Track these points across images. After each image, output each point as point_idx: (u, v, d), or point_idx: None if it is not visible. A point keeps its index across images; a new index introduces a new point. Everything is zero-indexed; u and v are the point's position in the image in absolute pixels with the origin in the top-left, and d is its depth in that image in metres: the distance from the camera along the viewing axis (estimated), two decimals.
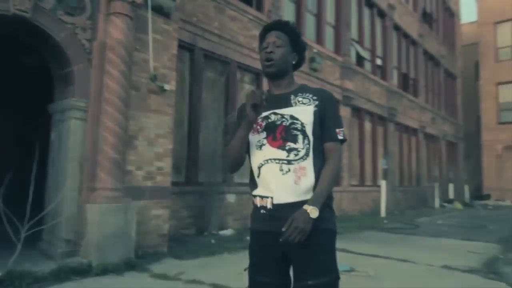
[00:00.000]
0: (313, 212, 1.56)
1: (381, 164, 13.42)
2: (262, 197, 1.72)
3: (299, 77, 10.70)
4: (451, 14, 23.18)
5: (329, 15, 12.44)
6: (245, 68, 9.06)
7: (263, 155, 1.71)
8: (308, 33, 11.35)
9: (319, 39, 11.74)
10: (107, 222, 4.46)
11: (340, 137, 1.73)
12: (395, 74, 16.16)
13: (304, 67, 10.95)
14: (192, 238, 6.78)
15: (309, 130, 1.70)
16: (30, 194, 4.48)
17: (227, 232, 7.45)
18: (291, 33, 1.82)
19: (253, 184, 1.80)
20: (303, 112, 1.72)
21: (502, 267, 5.29)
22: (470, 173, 21.31)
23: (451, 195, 18.35)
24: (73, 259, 4.42)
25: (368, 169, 13.79)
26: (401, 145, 16.30)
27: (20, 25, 4.42)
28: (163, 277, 4.26)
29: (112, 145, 4.67)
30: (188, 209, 7.34)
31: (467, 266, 5.24)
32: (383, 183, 12.27)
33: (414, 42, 17.90)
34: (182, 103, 7.50)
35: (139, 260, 4.75)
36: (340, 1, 12.68)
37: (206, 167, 7.76)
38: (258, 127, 1.76)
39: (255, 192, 1.77)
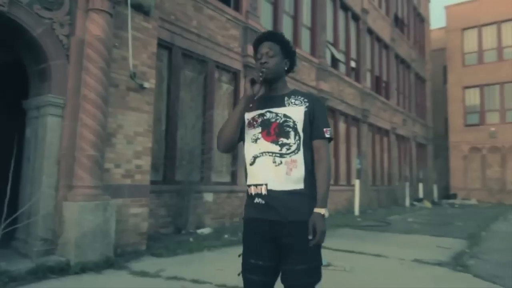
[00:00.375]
0: (326, 213, 1.83)
1: (355, 164, 13.76)
2: (256, 185, 1.87)
3: None
4: (421, 20, 24.02)
5: (305, 17, 12.66)
6: (223, 68, 9.11)
7: (258, 148, 1.88)
8: (285, 35, 11.48)
9: (296, 40, 11.92)
10: (86, 220, 4.41)
11: (327, 135, 1.91)
12: (368, 76, 16.60)
13: None
14: (170, 236, 6.77)
15: (300, 128, 1.88)
16: (7, 192, 4.40)
17: (205, 230, 7.47)
18: (281, 42, 1.99)
19: (246, 175, 1.95)
20: (295, 111, 1.90)
21: (468, 260, 5.59)
22: (438, 173, 22.13)
23: (420, 194, 19.01)
24: (50, 258, 4.35)
25: (342, 168, 14.11)
26: (373, 145, 16.76)
27: None
28: (143, 274, 4.26)
29: (91, 142, 4.63)
30: (165, 208, 7.32)
31: (437, 259, 5.50)
32: (357, 183, 12.59)
33: (386, 46, 18.45)
34: (160, 101, 7.47)
35: (118, 258, 4.73)
36: (316, 4, 12.93)
37: (184, 165, 7.76)
38: (255, 122, 1.94)
39: (249, 182, 1.93)
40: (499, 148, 22.13)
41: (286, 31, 11.64)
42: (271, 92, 1.98)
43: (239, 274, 1.90)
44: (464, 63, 24.31)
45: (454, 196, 22.02)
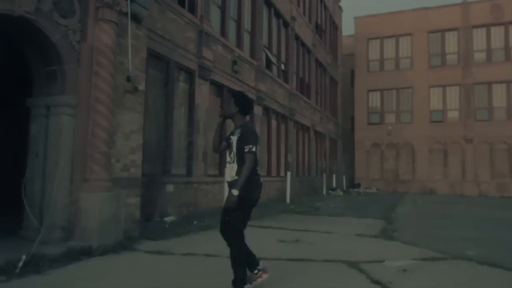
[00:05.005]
0: (234, 192, 3.33)
1: (288, 158, 15.39)
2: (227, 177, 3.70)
3: (225, 78, 11.79)
4: (335, 28, 26.79)
5: (246, 22, 13.76)
6: (182, 68, 9.78)
7: (228, 157, 3.65)
8: (231, 38, 12.50)
9: (239, 44, 12.97)
10: (104, 209, 4.99)
11: (246, 150, 3.43)
12: (294, 78, 18.38)
13: (229, 69, 12.08)
14: (143, 224, 7.38)
15: (235, 149, 3.55)
16: (24, 187, 4.78)
17: (173, 218, 8.21)
18: (235, 97, 3.76)
19: None
20: (235, 139, 3.57)
21: (392, 234, 7.36)
22: (346, 166, 25.21)
23: (334, 184, 21.63)
24: (69, 243, 4.84)
25: (273, 161, 15.64)
26: (298, 140, 18.67)
27: (22, 26, 4.61)
28: (159, 252, 5.02)
29: (104, 140, 5.17)
30: None
31: (371, 234, 7.18)
32: (288, 174, 14.19)
33: (308, 51, 20.47)
34: None
35: (127, 241, 5.37)
36: (255, 10, 14.10)
37: (150, 159, 8.36)
38: (228, 143, 3.67)
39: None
40: (395, 144, 26.02)
41: (232, 35, 12.63)
42: (234, 125, 3.70)
43: None
44: (368, 69, 27.79)
45: (358, 186, 25.32)
